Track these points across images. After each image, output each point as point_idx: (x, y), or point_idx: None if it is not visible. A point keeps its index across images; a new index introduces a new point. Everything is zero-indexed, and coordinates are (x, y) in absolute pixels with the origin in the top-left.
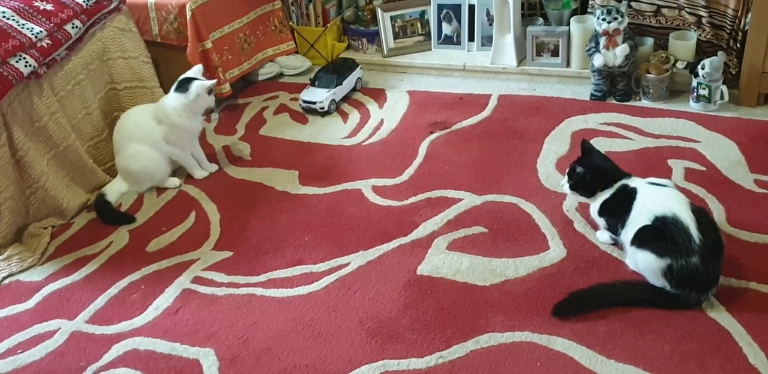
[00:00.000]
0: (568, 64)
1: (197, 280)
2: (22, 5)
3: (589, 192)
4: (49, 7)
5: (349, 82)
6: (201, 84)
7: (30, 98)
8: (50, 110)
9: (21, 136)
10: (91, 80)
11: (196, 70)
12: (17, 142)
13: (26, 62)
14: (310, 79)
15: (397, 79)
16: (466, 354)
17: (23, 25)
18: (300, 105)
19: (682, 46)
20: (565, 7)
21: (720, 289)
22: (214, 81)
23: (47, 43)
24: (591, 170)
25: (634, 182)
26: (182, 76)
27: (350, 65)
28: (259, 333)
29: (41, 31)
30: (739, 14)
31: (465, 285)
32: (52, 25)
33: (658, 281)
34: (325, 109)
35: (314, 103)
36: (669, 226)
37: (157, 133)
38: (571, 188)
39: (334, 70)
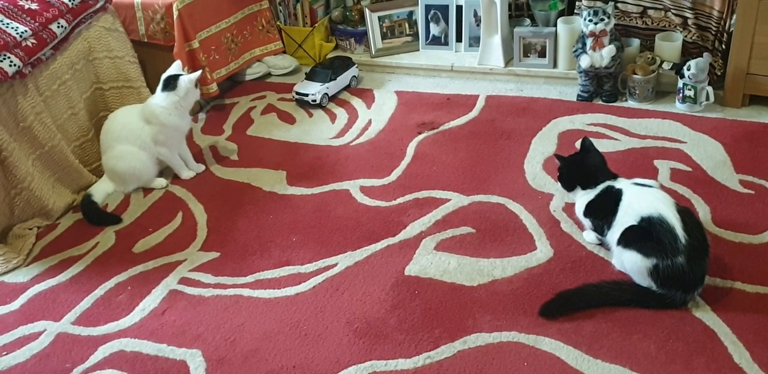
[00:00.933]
0: (555, 65)
1: (184, 281)
2: (7, 4)
3: (568, 186)
4: (34, 6)
5: (343, 78)
6: (188, 78)
7: (15, 97)
8: (35, 110)
9: (5, 136)
10: (76, 80)
11: (176, 67)
12: (2, 142)
13: (11, 62)
14: (305, 73)
15: (384, 80)
16: (453, 354)
17: (8, 24)
18: (293, 97)
19: (668, 47)
20: (552, 8)
21: (705, 289)
22: (199, 72)
23: (32, 43)
24: (568, 166)
25: (619, 183)
26: (165, 75)
27: (346, 63)
28: (247, 334)
29: (26, 31)
30: (724, 16)
31: (452, 285)
32: (37, 24)
33: (644, 281)
34: (317, 101)
35: (306, 95)
36: (655, 226)
37: (146, 133)
38: (557, 179)
39: (330, 66)
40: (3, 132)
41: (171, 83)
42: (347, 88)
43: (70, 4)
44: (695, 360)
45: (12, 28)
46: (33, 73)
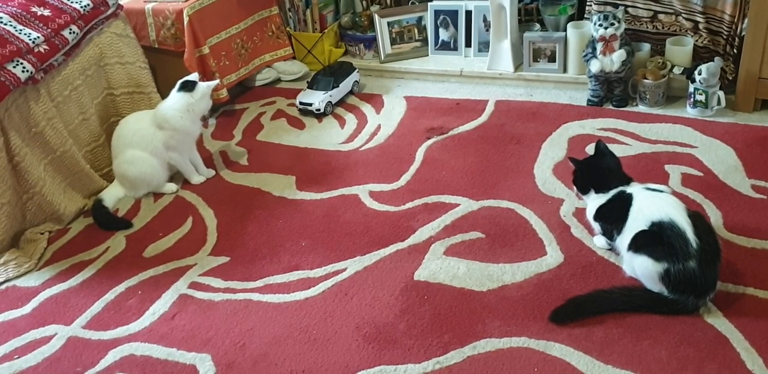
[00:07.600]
0: (564, 70)
1: (194, 285)
2: (20, 11)
3: (581, 189)
4: (46, 12)
5: (346, 84)
6: (207, 84)
7: (27, 103)
8: (47, 115)
9: (18, 141)
10: (88, 86)
11: (193, 77)
12: (14, 147)
13: (23, 68)
14: (307, 82)
15: (394, 85)
16: (463, 359)
17: (20, 30)
18: (297, 107)
19: (679, 51)
20: (561, 12)
21: (717, 295)
22: (216, 82)
23: (44, 49)
24: (583, 169)
25: (630, 188)
26: (182, 80)
27: (347, 68)
28: (256, 338)
29: (38, 37)
30: (735, 20)
31: (462, 290)
32: (49, 30)
33: (655, 286)
34: (321, 110)
35: (310, 104)
36: (666, 231)
37: (158, 139)
38: (573, 181)
39: (331, 73)
40: (15, 137)
41: (189, 85)
42: (350, 93)
43: (81, 10)
44: (707, 366)
45: (25, 34)
46: (45, 78)
